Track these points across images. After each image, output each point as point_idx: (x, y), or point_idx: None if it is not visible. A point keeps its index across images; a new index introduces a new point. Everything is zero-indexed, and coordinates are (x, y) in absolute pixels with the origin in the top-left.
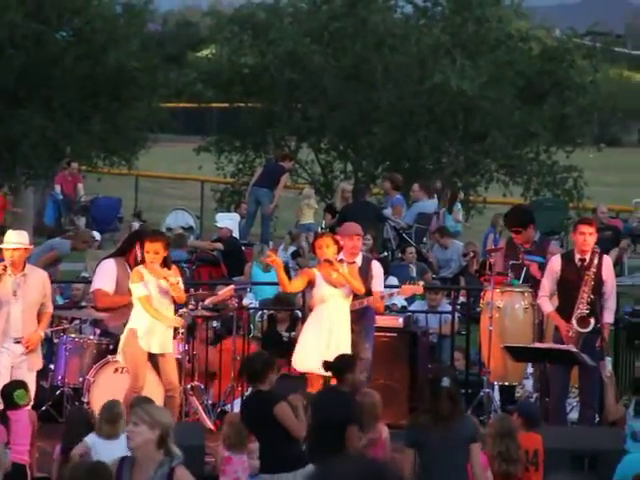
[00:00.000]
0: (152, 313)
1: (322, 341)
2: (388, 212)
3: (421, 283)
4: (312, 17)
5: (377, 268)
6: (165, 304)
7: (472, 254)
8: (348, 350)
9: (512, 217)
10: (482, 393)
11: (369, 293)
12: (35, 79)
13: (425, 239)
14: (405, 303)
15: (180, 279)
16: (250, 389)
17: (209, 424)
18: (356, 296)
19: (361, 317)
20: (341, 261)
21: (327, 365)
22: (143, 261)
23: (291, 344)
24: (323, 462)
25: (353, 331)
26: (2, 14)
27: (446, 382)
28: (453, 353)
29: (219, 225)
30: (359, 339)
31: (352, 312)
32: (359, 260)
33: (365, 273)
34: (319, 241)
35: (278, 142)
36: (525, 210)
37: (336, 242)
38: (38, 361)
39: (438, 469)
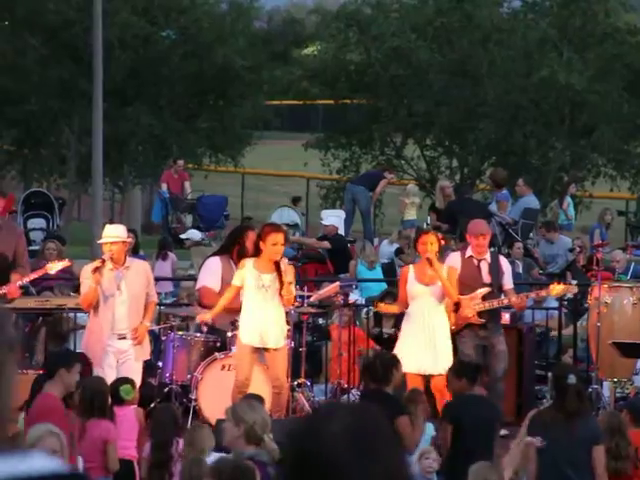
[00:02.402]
0: (222, 301)
1: (417, 341)
2: (494, 207)
3: (574, 282)
4: (418, 12)
5: (506, 264)
6: (266, 299)
7: (579, 249)
8: (447, 348)
9: None
10: (591, 389)
11: (500, 289)
12: (143, 78)
13: (531, 234)
14: None
15: (292, 280)
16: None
17: None
18: (491, 293)
19: (493, 312)
20: (470, 258)
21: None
22: (256, 254)
23: (391, 341)
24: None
25: (487, 328)
26: (115, 14)
27: (572, 379)
28: (560, 349)
29: (325, 222)
30: (492, 334)
31: (485, 311)
32: (488, 257)
33: (495, 269)
34: (423, 237)
35: (384, 138)
36: None
37: (439, 241)
38: (146, 351)
39: (561, 467)
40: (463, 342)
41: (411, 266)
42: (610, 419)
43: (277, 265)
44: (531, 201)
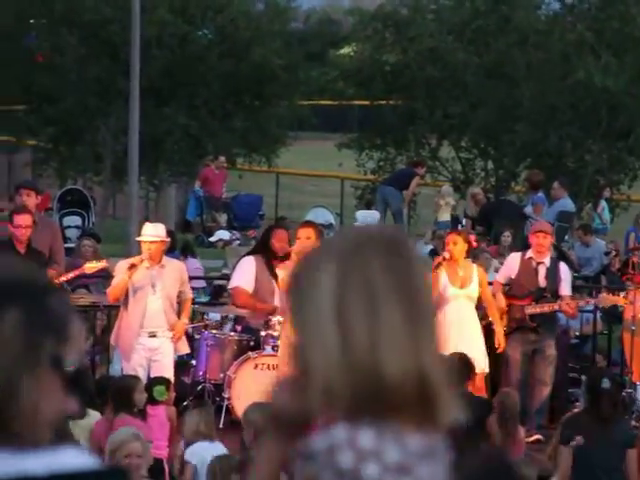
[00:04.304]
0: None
1: (454, 343)
2: (529, 210)
3: (622, 294)
4: (455, 14)
5: (565, 271)
6: None
7: (614, 252)
8: (482, 347)
9: None
10: (624, 393)
11: (556, 295)
12: (179, 77)
13: (566, 237)
14: None
15: None
16: None
17: None
18: (544, 297)
19: (546, 317)
20: (529, 259)
21: None
22: (274, 253)
23: None
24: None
25: (538, 332)
26: (153, 12)
27: (606, 383)
28: (595, 353)
29: (360, 223)
30: (544, 338)
31: (539, 314)
32: (547, 261)
33: (553, 274)
34: (448, 237)
35: (419, 139)
36: None
37: (467, 241)
38: (184, 346)
39: (594, 471)
40: (512, 347)
41: (442, 267)
42: None
43: None
44: (567, 204)
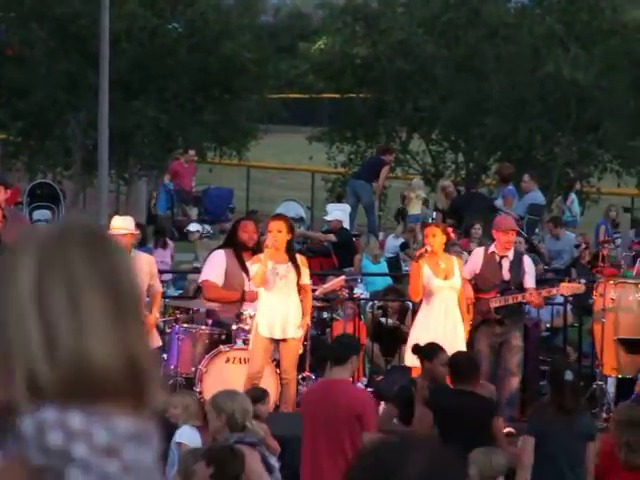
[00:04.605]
0: (259, 280)
1: (438, 334)
2: (499, 203)
3: (583, 281)
4: (425, 7)
5: (529, 264)
6: (282, 288)
7: (584, 245)
8: (461, 343)
9: None
10: (595, 386)
11: (521, 288)
12: (149, 71)
13: (537, 230)
14: None
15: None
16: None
17: None
18: (508, 290)
19: (512, 309)
20: (492, 253)
21: (416, 349)
22: (243, 245)
23: (392, 331)
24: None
25: (504, 324)
26: (122, 6)
27: (569, 375)
28: (566, 345)
29: (328, 218)
30: (510, 330)
31: (504, 306)
32: (510, 255)
33: (517, 268)
34: (426, 230)
35: (389, 132)
36: None
37: (445, 232)
38: (156, 339)
39: (557, 461)
40: (479, 340)
41: (420, 261)
42: (631, 411)
43: (293, 257)
44: (537, 197)
